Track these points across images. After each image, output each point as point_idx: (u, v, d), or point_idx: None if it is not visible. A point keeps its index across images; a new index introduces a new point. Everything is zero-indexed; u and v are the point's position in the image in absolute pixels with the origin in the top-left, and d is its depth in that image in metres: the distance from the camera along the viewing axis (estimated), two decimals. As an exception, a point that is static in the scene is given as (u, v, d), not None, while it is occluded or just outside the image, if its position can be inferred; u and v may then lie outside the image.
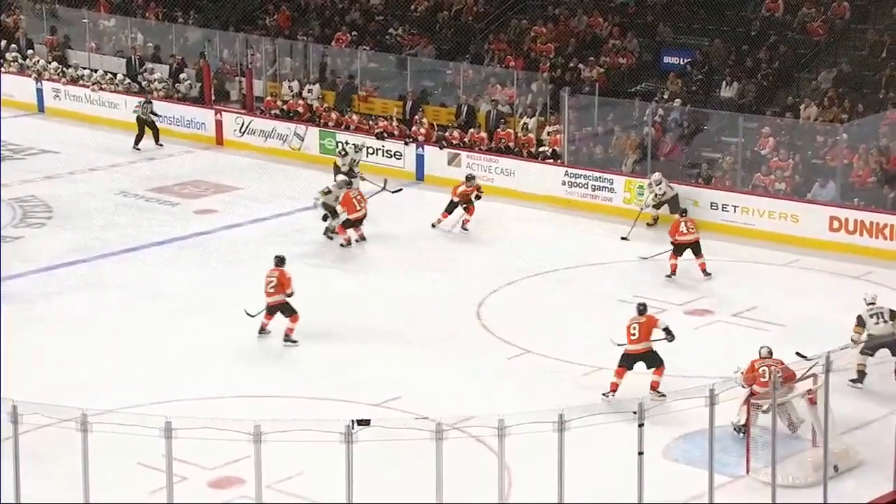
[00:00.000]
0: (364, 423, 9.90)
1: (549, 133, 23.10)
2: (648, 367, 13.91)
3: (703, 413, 10.46)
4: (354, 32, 27.99)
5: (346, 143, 23.80)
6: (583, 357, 15.43)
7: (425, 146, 23.76)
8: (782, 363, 12.74)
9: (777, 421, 12.32)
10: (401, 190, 22.19)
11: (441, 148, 23.58)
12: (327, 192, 20.14)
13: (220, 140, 26.21)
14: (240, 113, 26.47)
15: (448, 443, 9.91)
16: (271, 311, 15.84)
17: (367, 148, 23.88)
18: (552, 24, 26.33)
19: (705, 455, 10.82)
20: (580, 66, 24.82)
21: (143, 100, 26.10)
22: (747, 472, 12.43)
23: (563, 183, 22.19)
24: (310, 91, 26.32)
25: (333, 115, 25.27)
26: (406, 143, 23.94)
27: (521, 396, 13.86)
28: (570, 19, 26.31)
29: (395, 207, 22.04)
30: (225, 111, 26.50)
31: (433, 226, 20.66)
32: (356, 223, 19.85)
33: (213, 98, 27.22)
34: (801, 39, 23.85)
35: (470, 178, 20.83)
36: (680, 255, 18.32)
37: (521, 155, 23.05)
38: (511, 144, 23.30)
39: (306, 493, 12.04)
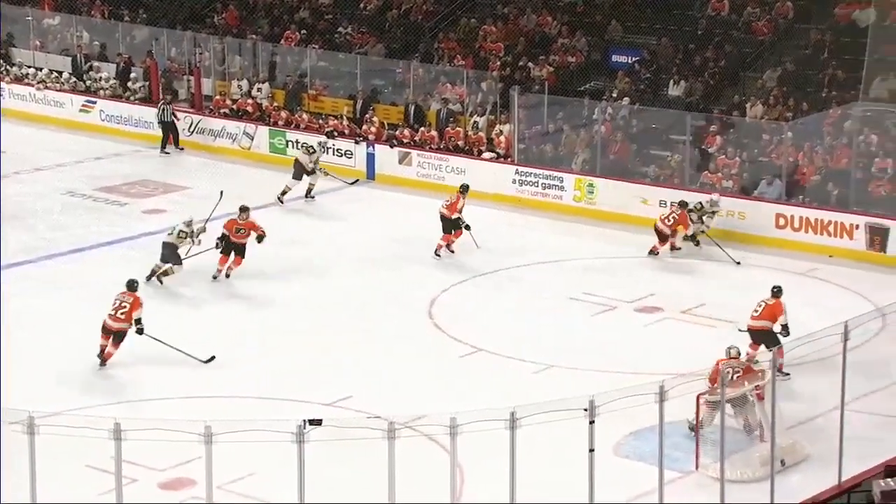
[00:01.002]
0: (316, 422, 9.87)
1: (495, 134, 23.19)
2: (767, 347, 14.17)
3: (654, 409, 10.55)
4: (303, 31, 27.89)
5: (301, 143, 23.57)
6: (534, 355, 15.52)
7: (376, 145, 23.74)
8: (748, 364, 12.86)
9: (730, 418, 12.51)
10: (357, 181, 22.54)
11: (392, 147, 23.56)
12: (185, 235, 17.94)
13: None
14: (188, 112, 26.28)
15: (400, 441, 9.92)
16: (118, 337, 14.92)
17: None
18: (501, 22, 26.41)
19: (655, 451, 10.91)
20: (530, 64, 24.92)
21: (162, 102, 25.53)
22: (696, 467, 12.58)
23: (514, 181, 22.27)
24: (259, 90, 26.19)
25: (283, 114, 25.17)
26: (357, 142, 23.89)
27: (473, 394, 13.89)
28: (519, 18, 26.41)
29: (347, 206, 22.04)
30: (174, 110, 26.27)
31: (438, 255, 19.13)
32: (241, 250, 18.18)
33: (161, 97, 26.99)
34: (747, 39, 24.12)
35: (464, 189, 19.67)
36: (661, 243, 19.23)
37: (471, 153, 23.12)
38: (461, 143, 23.35)
39: (258, 494, 12.00)
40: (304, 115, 25.07)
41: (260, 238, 18.28)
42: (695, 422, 12.81)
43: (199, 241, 18.19)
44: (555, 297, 17.69)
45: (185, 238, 17.95)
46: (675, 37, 24.61)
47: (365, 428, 10.15)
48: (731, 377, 12.71)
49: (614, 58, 24.94)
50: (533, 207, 21.85)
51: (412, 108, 24.53)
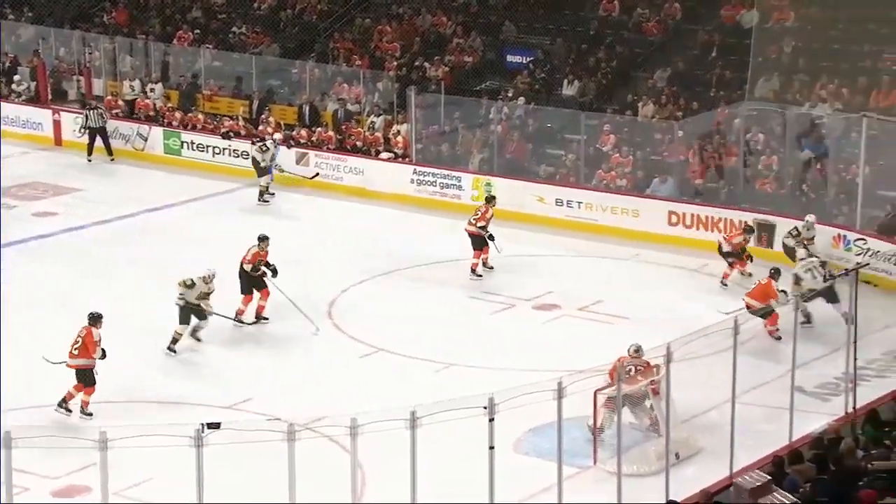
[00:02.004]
0: (214, 426, 9.77)
1: (393, 134, 23.22)
2: (760, 316, 15.61)
3: (552, 406, 10.68)
4: (197, 31, 27.56)
5: (244, 140, 23.21)
6: (434, 354, 15.59)
7: (272, 145, 23.55)
8: (648, 363, 13.07)
9: (627, 415, 12.72)
10: (318, 174, 22.48)
11: (289, 147, 23.40)
12: (190, 286, 15.71)
13: (58, 140, 25.43)
14: (79, 112, 25.68)
15: (300, 443, 9.88)
16: (78, 376, 13.81)
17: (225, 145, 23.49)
18: (396, 22, 26.45)
19: (554, 447, 11.05)
20: (426, 64, 25.01)
21: (87, 108, 24.49)
22: (594, 462, 12.78)
23: (412, 181, 22.31)
24: (152, 90, 25.79)
25: (178, 115, 24.83)
26: (253, 143, 23.64)
27: (374, 395, 13.91)
28: (414, 18, 26.48)
29: (244, 207, 21.85)
30: (63, 111, 25.72)
31: (479, 274, 18.30)
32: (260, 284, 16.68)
33: (49, 97, 26.40)
34: (637, 39, 24.56)
35: (490, 199, 19.11)
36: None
37: (369, 154, 23.10)
38: (359, 143, 23.31)
39: (155, 499, 11.83)
40: (200, 116, 24.78)
41: (275, 272, 16.70)
42: (593, 422, 13.00)
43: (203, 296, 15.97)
44: (454, 296, 17.78)
45: (192, 287, 15.70)
46: (567, 37, 24.94)
47: (264, 430, 10.10)
48: (631, 372, 12.93)
49: (509, 58, 25.17)
50: (431, 207, 21.92)
51: (307, 109, 24.42)
